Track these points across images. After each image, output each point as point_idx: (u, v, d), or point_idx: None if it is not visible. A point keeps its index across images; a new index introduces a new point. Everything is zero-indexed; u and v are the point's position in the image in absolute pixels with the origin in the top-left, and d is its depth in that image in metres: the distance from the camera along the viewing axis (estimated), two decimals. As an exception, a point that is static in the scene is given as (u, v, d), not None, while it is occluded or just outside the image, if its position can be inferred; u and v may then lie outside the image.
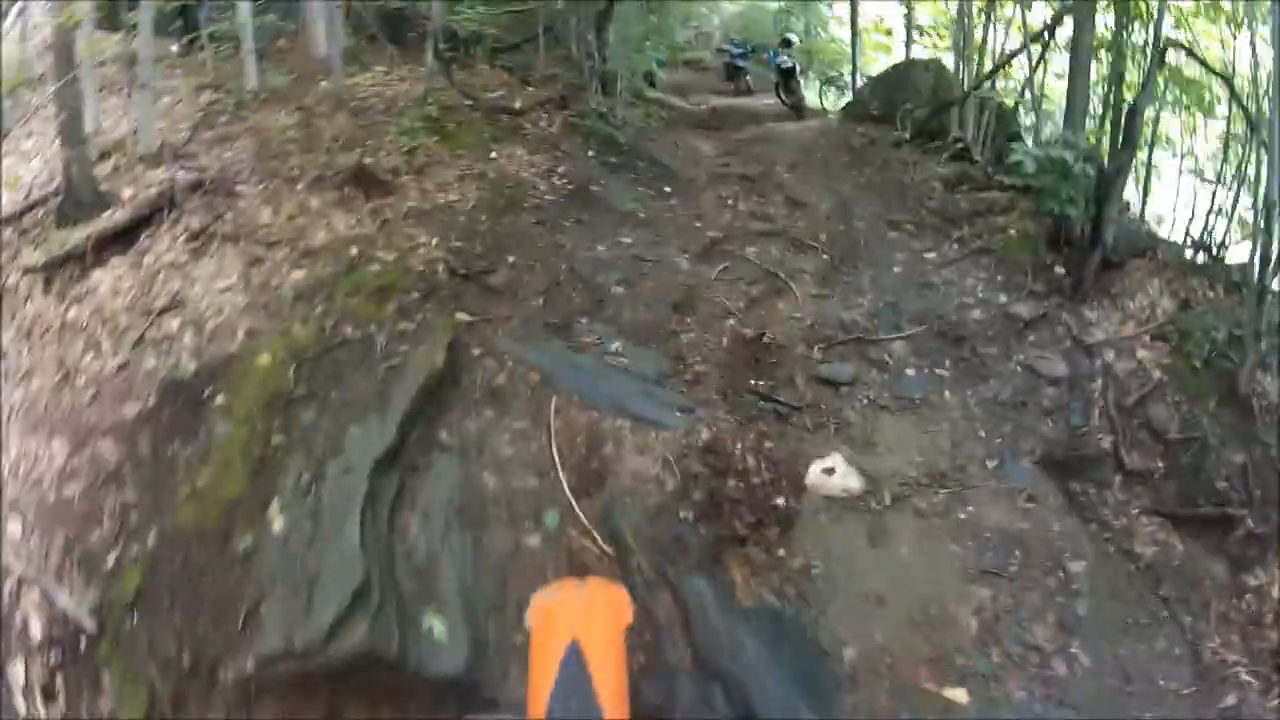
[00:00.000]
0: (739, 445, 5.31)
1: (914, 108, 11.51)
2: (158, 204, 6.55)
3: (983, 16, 11.51)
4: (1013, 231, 7.77)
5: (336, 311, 5.66)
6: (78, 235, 6.28)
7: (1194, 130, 10.60)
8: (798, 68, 15.78)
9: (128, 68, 7.99)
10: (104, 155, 7.32)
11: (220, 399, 5.11)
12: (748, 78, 18.44)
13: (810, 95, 17.27)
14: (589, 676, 1.69)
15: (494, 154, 8.19)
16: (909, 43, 15.08)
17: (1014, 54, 10.43)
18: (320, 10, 9.47)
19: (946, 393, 6.28)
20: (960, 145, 10.42)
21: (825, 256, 7.85)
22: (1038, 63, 9.76)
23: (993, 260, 7.48)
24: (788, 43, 16.24)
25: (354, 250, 6.18)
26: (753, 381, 6.13)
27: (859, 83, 15.72)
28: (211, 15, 9.28)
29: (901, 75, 12.88)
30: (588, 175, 8.52)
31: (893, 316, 6.93)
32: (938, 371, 6.45)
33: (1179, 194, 10.05)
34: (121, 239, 6.36)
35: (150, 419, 5.09)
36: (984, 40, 11.54)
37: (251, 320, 5.57)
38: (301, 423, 4.96)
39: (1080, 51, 7.91)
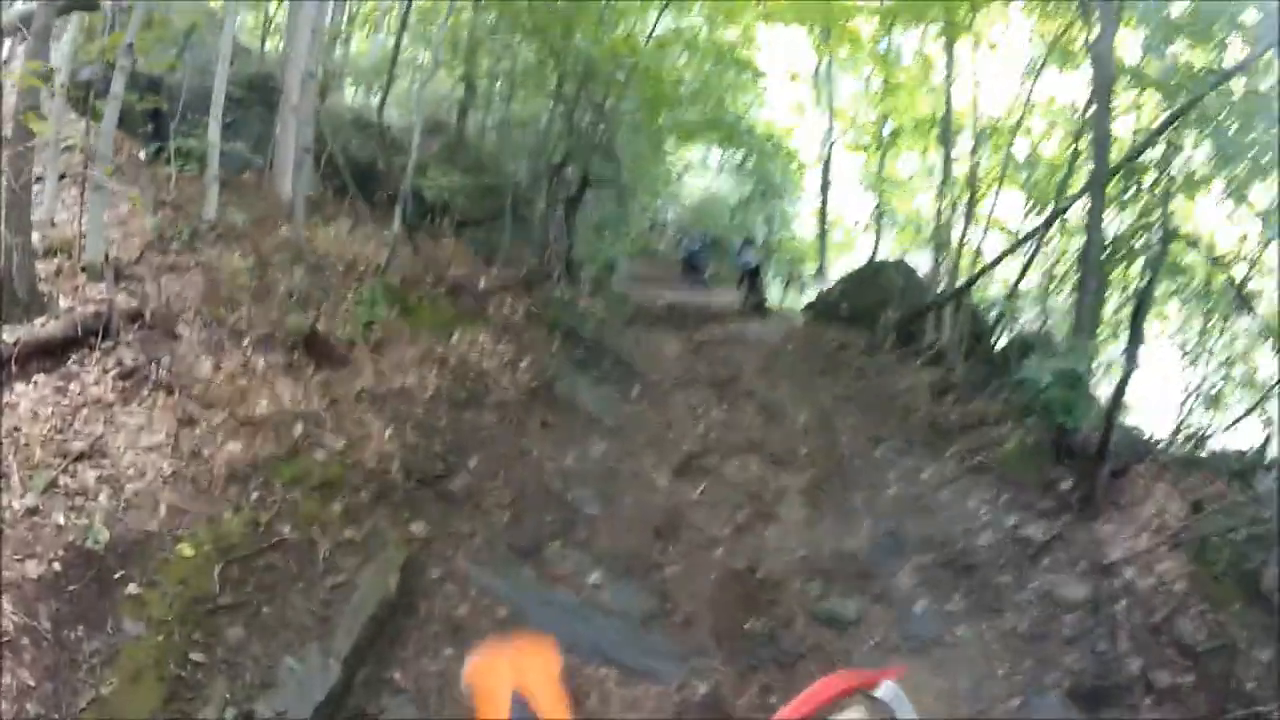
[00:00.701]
0: (740, 701, 4.65)
1: (893, 312, 11.33)
2: (93, 326, 5.61)
3: (960, 215, 11.58)
4: (1010, 444, 7.28)
5: (274, 503, 4.79)
6: (7, 336, 5.35)
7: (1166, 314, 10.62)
8: (762, 266, 15.82)
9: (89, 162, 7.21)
10: (50, 252, 6.44)
11: (133, 587, 4.11)
12: (705, 273, 18.60)
13: (770, 292, 17.26)
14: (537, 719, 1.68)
15: (456, 337, 7.54)
16: (877, 241, 15.33)
17: (1004, 255, 10.43)
18: (291, 150, 8.87)
19: (960, 628, 5.62)
20: (936, 350, 10.23)
21: (810, 474, 7.24)
22: (1028, 264, 9.76)
23: (994, 477, 6.97)
24: (749, 241, 16.42)
25: (298, 429, 5.35)
26: (749, 623, 5.37)
27: (824, 281, 16.11)
28: (182, 128, 8.58)
29: (871, 276, 12.93)
30: (553, 371, 7.96)
31: (894, 545, 6.29)
32: (948, 606, 5.79)
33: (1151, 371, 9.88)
34: (50, 355, 5.40)
35: (54, 587, 4.02)
36: (962, 239, 11.57)
37: (177, 495, 4.62)
38: (227, 639, 4.01)
39: (1091, 253, 7.78)
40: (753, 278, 15.08)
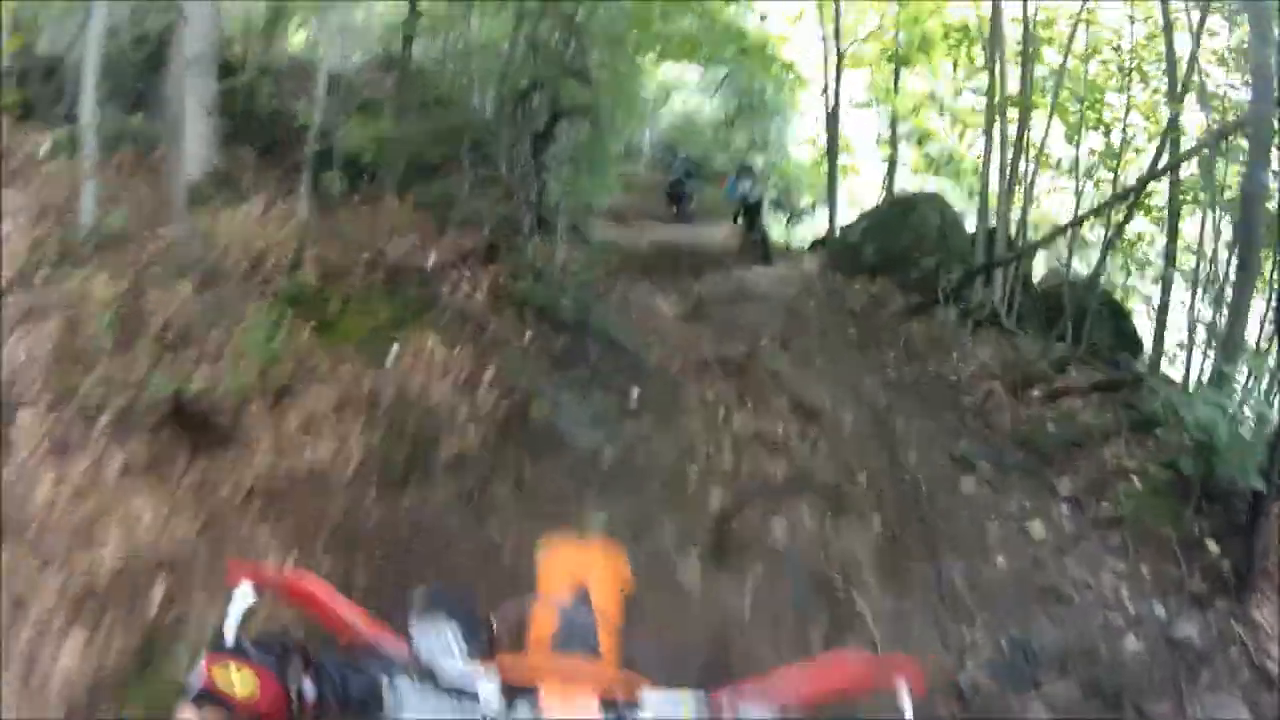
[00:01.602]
0: None
1: (930, 260, 9.59)
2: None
3: (1010, 146, 9.53)
4: (1137, 481, 5.58)
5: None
6: None
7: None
8: (764, 201, 13.69)
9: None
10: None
11: None
12: (692, 203, 16.51)
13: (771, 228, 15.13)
14: (594, 618, 1.70)
15: (394, 354, 5.60)
16: (892, 169, 13.25)
17: (1101, 210, 8.54)
18: (186, 114, 6.46)
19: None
20: (989, 312, 8.50)
21: (879, 525, 5.40)
22: (1125, 221, 7.93)
23: (1126, 535, 5.22)
24: (748, 169, 13.99)
25: (158, 588, 3.46)
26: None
27: (825, 214, 13.62)
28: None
29: (899, 214, 10.79)
30: (528, 382, 6.02)
31: (1017, 660, 4.49)
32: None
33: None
34: None
35: None
36: (1013, 174, 9.54)
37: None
38: None
39: (1251, 224, 5.84)
40: (752, 214, 13.04)
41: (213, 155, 7.04)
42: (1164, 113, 8.33)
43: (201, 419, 4.25)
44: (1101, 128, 9.23)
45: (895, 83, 12.32)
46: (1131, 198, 8.08)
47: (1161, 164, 7.87)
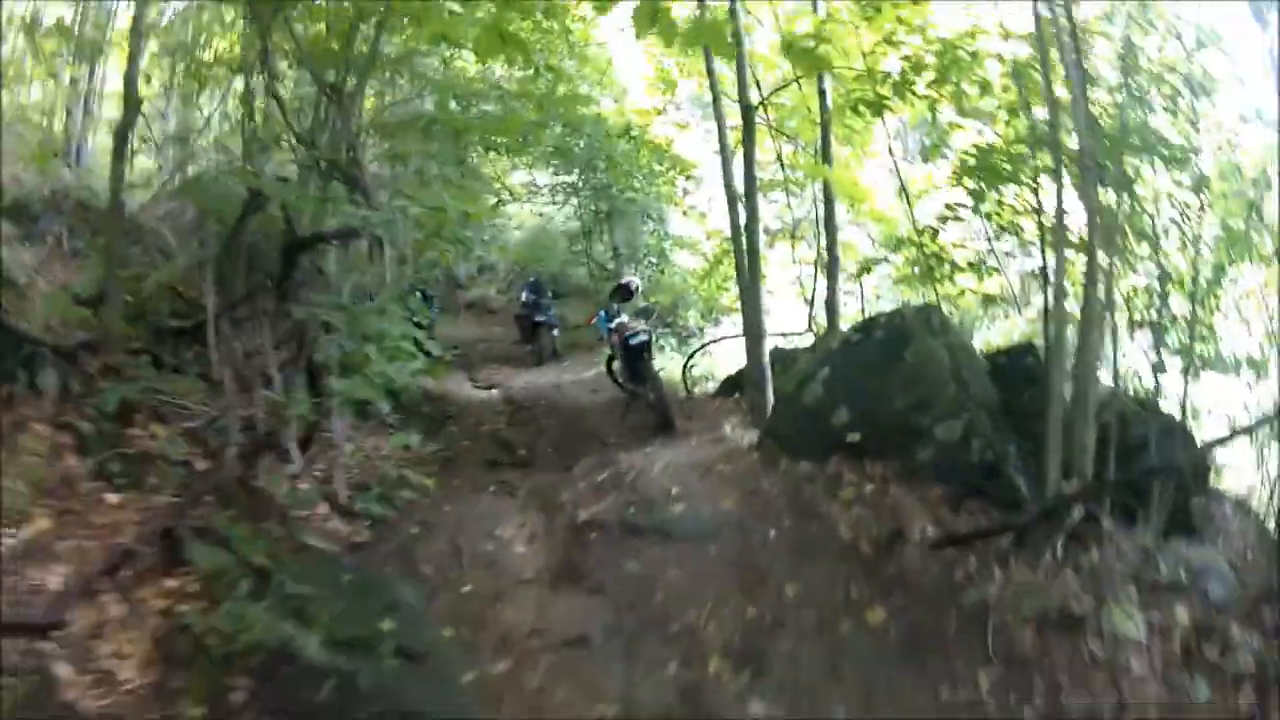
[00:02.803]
0: None
1: (963, 430, 5.75)
2: None
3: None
4: None
5: None
6: None
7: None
8: (652, 337, 9.52)
9: None
10: None
11: None
12: (554, 335, 12.57)
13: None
14: None
15: None
16: (831, 273, 8.84)
17: None
18: None
19: None
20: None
21: None
22: None
23: None
24: (627, 292, 10.07)
25: None
26: None
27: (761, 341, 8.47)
28: None
29: (883, 350, 6.43)
30: None
31: None
32: None
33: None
34: None
35: None
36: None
37: None
38: None
39: None
40: (637, 362, 8.98)
41: None
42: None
43: None
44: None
45: (824, 149, 8.43)
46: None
47: None
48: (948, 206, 7.44)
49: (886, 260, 9.08)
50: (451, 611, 4.82)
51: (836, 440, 6.18)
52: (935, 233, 7.72)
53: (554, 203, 15.81)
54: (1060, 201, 5.55)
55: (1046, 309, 5.92)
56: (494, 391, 10.63)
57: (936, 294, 7.70)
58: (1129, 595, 4.20)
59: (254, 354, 5.98)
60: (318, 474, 5.78)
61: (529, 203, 16.32)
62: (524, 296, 13.06)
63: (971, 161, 6.85)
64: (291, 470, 5.44)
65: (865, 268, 9.23)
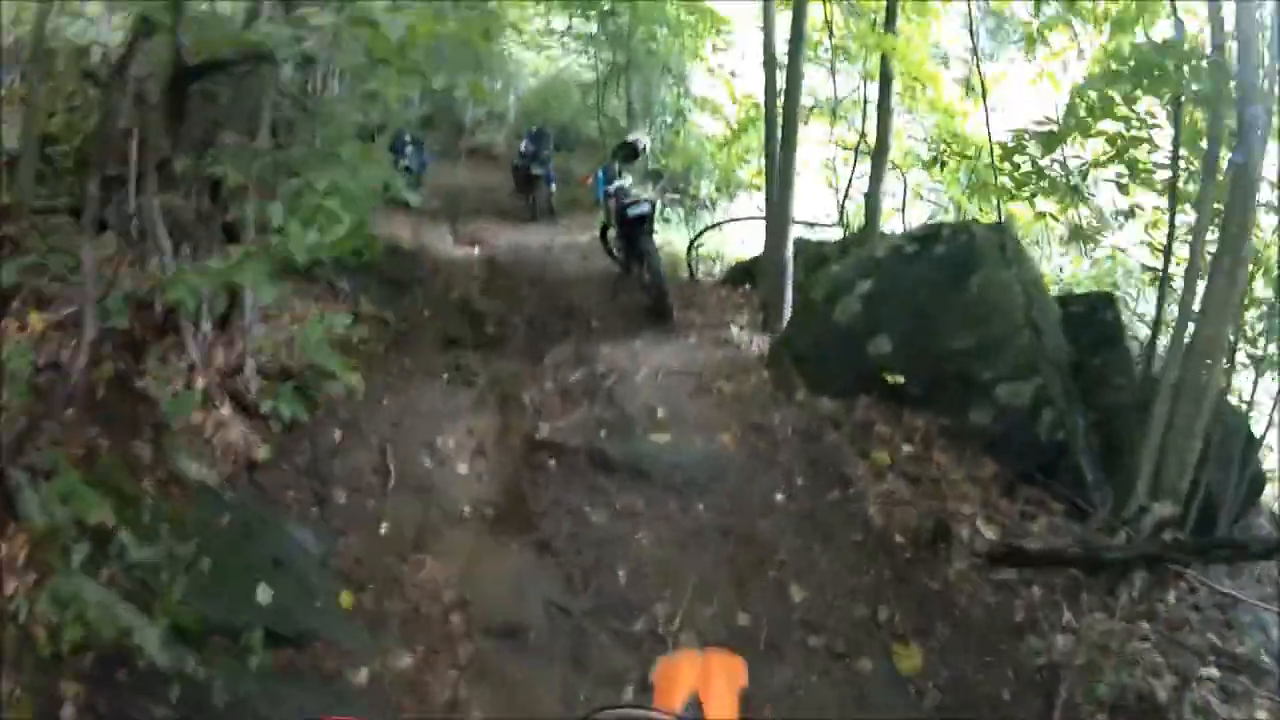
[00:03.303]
0: None
1: (1034, 392, 4.65)
2: None
3: None
4: None
5: None
6: None
7: None
8: (656, 207, 8.04)
9: None
10: None
11: None
12: (550, 190, 11.24)
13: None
14: None
15: None
16: (879, 160, 7.40)
17: None
18: None
19: None
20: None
21: None
22: None
23: None
24: (632, 151, 8.58)
25: None
26: None
27: (787, 228, 7.21)
28: None
29: (943, 270, 5.20)
30: None
31: None
32: None
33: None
34: None
35: None
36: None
37: None
38: None
39: None
40: (638, 232, 7.69)
41: None
42: None
43: None
44: None
45: (889, 17, 6.93)
46: None
47: None
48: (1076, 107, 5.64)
49: (958, 158, 7.62)
50: (358, 565, 3.80)
51: (872, 376, 5.03)
52: (1022, 144, 6.01)
53: (567, 50, 14.10)
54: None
55: (1162, 288, 4.72)
56: (475, 250, 9.44)
57: (999, 212, 6.33)
58: (1210, 675, 3.23)
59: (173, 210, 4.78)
60: (224, 366, 4.70)
61: (542, 50, 14.62)
62: (523, 146, 11.65)
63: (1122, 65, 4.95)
64: (189, 362, 4.36)
65: (934, 160, 7.77)
